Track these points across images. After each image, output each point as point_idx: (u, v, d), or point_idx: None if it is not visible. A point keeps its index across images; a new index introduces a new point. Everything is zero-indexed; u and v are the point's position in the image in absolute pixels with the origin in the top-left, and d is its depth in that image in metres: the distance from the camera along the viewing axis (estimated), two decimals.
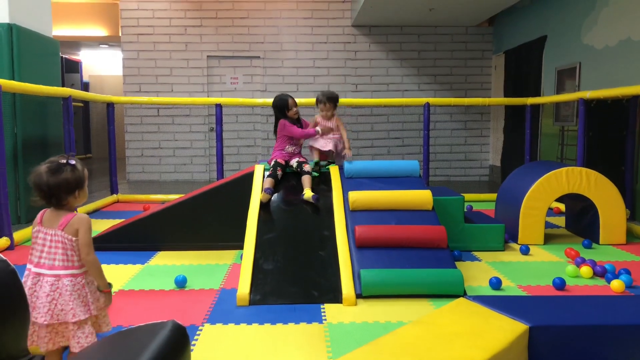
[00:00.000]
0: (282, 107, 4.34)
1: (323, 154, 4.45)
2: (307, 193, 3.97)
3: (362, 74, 9.35)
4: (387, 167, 4.32)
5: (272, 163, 4.26)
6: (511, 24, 8.67)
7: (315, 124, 4.43)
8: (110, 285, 2.15)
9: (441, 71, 9.42)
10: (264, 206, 3.95)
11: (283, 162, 4.28)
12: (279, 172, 4.17)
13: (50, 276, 1.98)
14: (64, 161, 2.02)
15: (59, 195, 2.00)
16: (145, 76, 9.19)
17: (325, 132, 4.35)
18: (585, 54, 6.54)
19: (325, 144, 4.35)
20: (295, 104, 4.36)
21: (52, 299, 1.96)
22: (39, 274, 1.99)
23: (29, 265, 2.02)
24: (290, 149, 4.38)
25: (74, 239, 2.01)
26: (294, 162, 4.29)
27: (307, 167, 4.18)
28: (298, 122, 4.41)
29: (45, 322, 1.94)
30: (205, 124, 9.24)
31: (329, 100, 4.35)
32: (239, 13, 9.16)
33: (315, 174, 4.20)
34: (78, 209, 2.24)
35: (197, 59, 9.19)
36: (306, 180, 4.09)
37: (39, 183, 1.98)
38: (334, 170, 4.30)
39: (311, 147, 4.45)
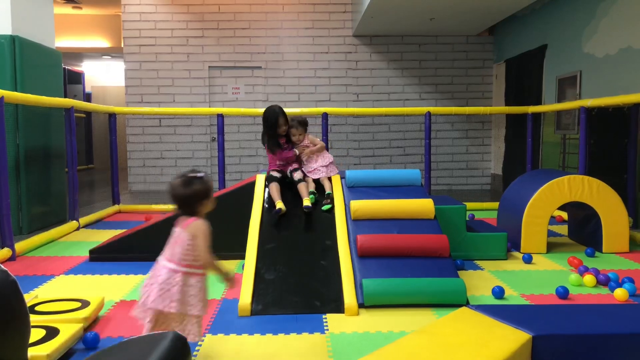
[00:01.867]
0: (271, 124, 4.25)
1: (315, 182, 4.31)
2: (306, 202, 3.95)
3: (363, 83, 9.37)
4: (388, 176, 4.31)
5: (268, 173, 4.25)
6: (512, 33, 8.71)
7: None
8: (228, 273, 2.37)
9: (442, 80, 9.45)
10: (266, 215, 3.94)
11: (278, 169, 4.27)
12: (274, 172, 4.18)
13: (165, 267, 2.25)
14: (194, 175, 2.31)
15: (191, 203, 2.30)
16: (148, 87, 9.23)
17: (301, 151, 4.34)
18: (585, 62, 6.56)
19: (315, 171, 4.30)
20: (285, 121, 4.27)
21: (161, 287, 2.21)
22: (165, 268, 2.26)
23: (159, 257, 2.31)
24: (281, 163, 4.32)
25: (189, 240, 2.27)
26: (289, 172, 4.27)
27: (297, 175, 4.15)
28: (287, 137, 4.34)
29: (151, 305, 2.20)
30: (207, 134, 9.26)
31: (300, 124, 4.35)
32: (241, 24, 9.21)
33: (327, 207, 4.02)
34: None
35: (199, 70, 9.24)
36: (303, 188, 4.06)
37: (175, 194, 2.30)
38: (335, 180, 4.29)
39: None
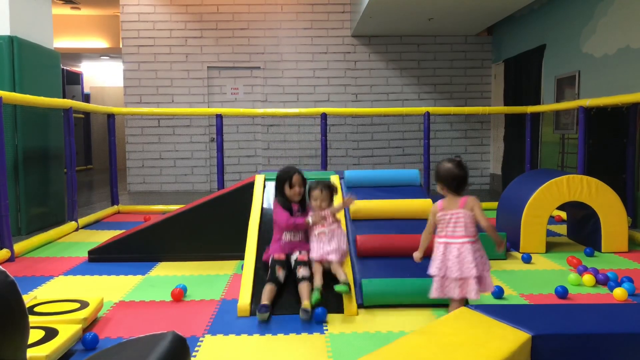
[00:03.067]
0: (282, 181, 3.40)
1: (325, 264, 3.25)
2: (305, 304, 2.97)
3: (362, 83, 9.38)
4: (387, 176, 4.31)
5: (270, 262, 3.29)
6: (510, 33, 8.71)
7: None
8: (500, 237, 2.81)
9: (441, 80, 9.45)
10: (265, 216, 3.93)
11: (283, 258, 3.28)
12: (280, 273, 3.18)
13: (456, 243, 2.66)
14: (460, 159, 2.77)
15: (463, 183, 2.72)
16: (146, 87, 9.22)
17: (317, 221, 3.28)
18: (584, 62, 6.56)
19: (325, 252, 3.21)
20: (301, 183, 3.40)
21: (459, 260, 2.64)
22: (448, 243, 2.68)
23: (438, 240, 2.73)
24: (289, 237, 3.34)
25: (470, 214, 2.68)
26: (292, 260, 3.28)
27: (302, 272, 3.15)
28: (300, 204, 3.44)
29: (456, 277, 2.63)
30: (206, 134, 9.25)
31: (326, 188, 3.33)
32: (239, 24, 9.21)
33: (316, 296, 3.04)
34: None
35: (198, 70, 9.23)
36: (304, 289, 3.06)
37: (451, 175, 2.71)
38: (335, 180, 4.27)
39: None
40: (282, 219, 3.33)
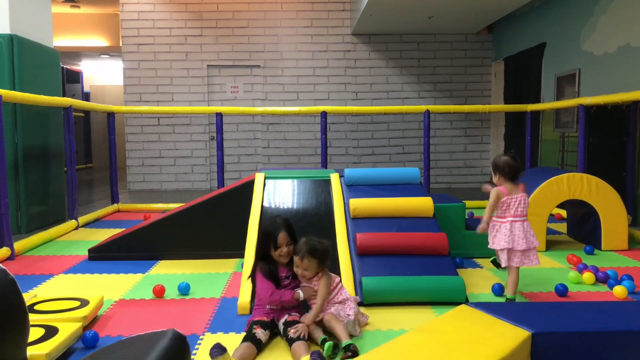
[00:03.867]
0: (265, 241, 2.79)
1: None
2: None
3: (362, 82, 9.37)
4: (387, 174, 4.31)
5: (250, 323, 2.68)
6: (510, 31, 8.70)
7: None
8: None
9: (441, 79, 9.45)
10: (265, 214, 3.93)
11: (267, 320, 2.68)
12: (259, 330, 2.57)
13: (520, 222, 3.19)
14: (514, 153, 3.31)
15: (519, 172, 3.27)
16: (146, 86, 9.22)
17: (309, 296, 2.72)
18: (584, 60, 6.56)
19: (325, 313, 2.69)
20: (289, 241, 2.75)
21: (525, 234, 3.17)
22: (514, 221, 3.18)
23: (502, 220, 3.22)
24: (274, 306, 2.73)
25: (527, 197, 3.25)
26: (281, 323, 2.69)
27: (293, 332, 2.52)
28: (288, 266, 2.79)
29: (523, 248, 3.15)
30: (206, 132, 9.25)
31: (311, 254, 2.66)
32: (239, 22, 9.20)
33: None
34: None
35: (198, 68, 9.23)
36: (300, 348, 2.42)
37: (511, 166, 3.24)
38: (334, 179, 4.28)
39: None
40: (264, 292, 2.67)
